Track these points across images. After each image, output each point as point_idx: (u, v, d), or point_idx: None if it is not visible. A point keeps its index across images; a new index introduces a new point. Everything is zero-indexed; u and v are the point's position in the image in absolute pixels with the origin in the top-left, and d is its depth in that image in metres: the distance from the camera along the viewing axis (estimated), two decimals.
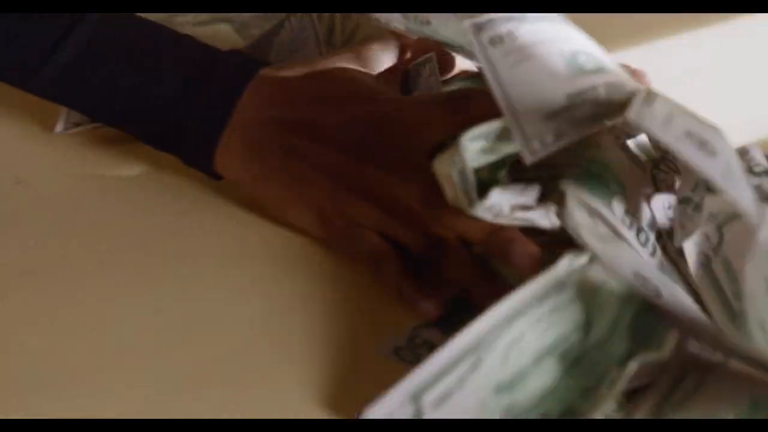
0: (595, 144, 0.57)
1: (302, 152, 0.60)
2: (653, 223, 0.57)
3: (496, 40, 0.53)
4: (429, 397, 0.47)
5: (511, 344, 0.49)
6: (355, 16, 0.72)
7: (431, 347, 0.54)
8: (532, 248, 0.55)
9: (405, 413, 0.47)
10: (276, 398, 0.53)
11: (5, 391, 0.53)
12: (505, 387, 0.49)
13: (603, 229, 0.54)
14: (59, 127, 0.67)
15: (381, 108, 0.60)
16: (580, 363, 0.50)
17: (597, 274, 0.51)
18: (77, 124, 0.67)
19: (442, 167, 0.53)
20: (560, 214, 0.54)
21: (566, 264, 0.51)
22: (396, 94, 0.63)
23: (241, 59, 0.63)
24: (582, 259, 0.51)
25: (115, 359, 0.54)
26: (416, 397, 0.47)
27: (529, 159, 0.51)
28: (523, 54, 0.53)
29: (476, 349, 0.48)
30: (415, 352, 0.54)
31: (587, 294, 0.51)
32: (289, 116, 0.61)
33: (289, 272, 0.59)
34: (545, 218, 0.54)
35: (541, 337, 0.50)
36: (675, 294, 0.52)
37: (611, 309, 0.51)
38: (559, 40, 0.54)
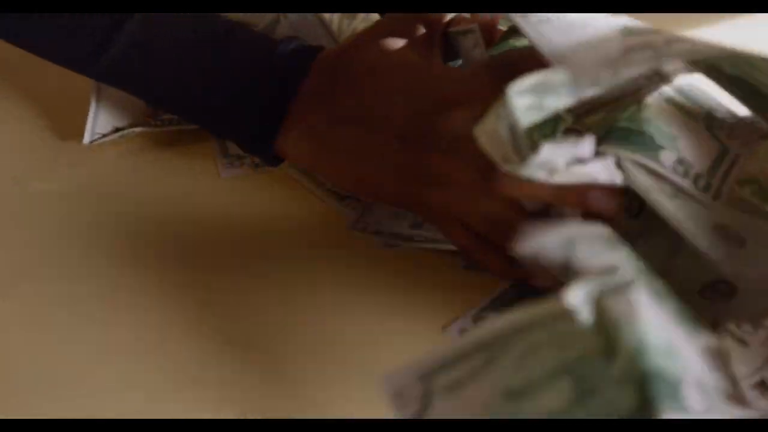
0: (635, 103, 0.56)
1: (363, 146, 0.60)
2: (721, 162, 0.55)
3: (544, 20, 0.52)
4: (440, 381, 0.46)
5: (528, 350, 0.46)
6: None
7: None
8: (612, 189, 0.52)
9: (414, 392, 0.46)
10: (275, 398, 0.53)
11: (5, 390, 0.53)
12: (514, 394, 0.46)
13: (668, 187, 0.53)
14: (86, 138, 0.67)
15: (429, 92, 0.59)
16: (594, 396, 0.46)
17: (618, 305, 0.46)
18: (104, 135, 0.67)
19: (488, 124, 0.50)
20: (625, 179, 0.52)
21: (581, 294, 0.46)
22: (439, 65, 0.62)
23: (298, 45, 0.63)
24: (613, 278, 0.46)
25: (115, 359, 0.55)
26: (427, 378, 0.46)
27: (576, 93, 0.48)
28: (573, 27, 0.51)
29: (491, 345, 0.46)
30: None
31: (608, 325, 0.47)
32: (343, 109, 0.60)
33: (288, 272, 0.60)
34: (606, 171, 0.52)
35: (561, 351, 0.46)
36: (760, 233, 0.51)
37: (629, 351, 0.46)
38: (606, 21, 0.53)
